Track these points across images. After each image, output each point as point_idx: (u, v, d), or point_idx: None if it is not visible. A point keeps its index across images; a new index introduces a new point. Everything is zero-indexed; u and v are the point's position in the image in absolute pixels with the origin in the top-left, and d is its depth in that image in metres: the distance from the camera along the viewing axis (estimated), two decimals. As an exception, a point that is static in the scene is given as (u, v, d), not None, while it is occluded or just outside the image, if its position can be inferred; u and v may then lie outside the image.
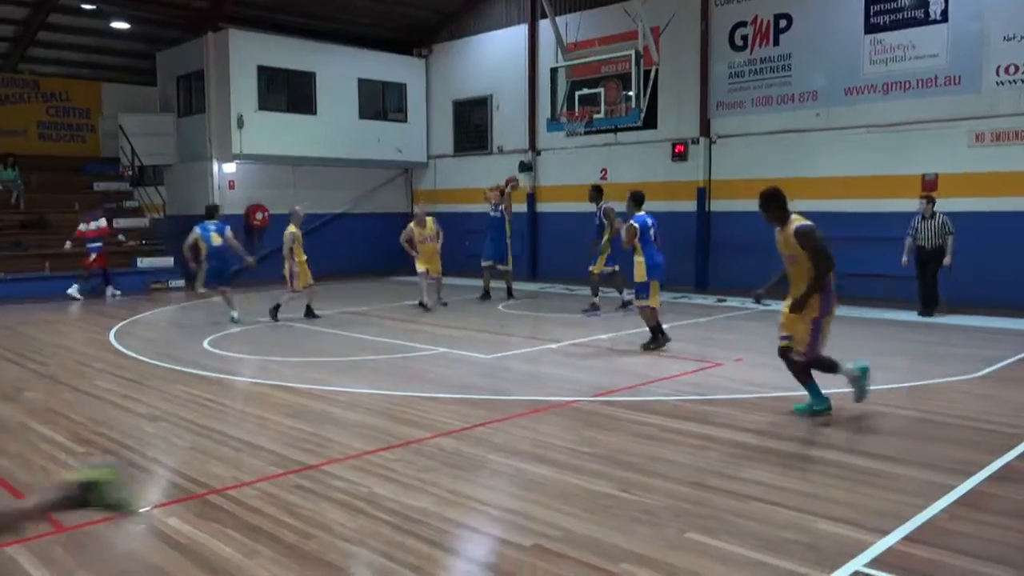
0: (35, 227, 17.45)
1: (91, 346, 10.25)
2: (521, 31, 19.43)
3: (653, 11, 15.88)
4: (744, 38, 15.66)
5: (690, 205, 16.33)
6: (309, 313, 12.43)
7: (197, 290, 12.35)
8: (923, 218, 11.62)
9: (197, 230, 11.87)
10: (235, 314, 11.93)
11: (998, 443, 5.56)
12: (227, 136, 18.19)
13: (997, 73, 12.70)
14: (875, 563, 3.67)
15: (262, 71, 18.50)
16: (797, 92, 14.98)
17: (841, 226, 14.18)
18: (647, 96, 14.97)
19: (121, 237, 17.57)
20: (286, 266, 12.13)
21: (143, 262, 17.49)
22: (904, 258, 11.66)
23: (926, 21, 13.35)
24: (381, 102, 20.93)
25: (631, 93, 14.62)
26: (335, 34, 20.01)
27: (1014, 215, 12.53)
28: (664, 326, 9.45)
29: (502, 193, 14.47)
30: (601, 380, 7.82)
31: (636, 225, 9.16)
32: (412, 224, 13.38)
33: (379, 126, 20.62)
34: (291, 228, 12.14)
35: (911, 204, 11.90)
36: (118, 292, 15.69)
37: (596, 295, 12.49)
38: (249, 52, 18.29)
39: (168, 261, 17.71)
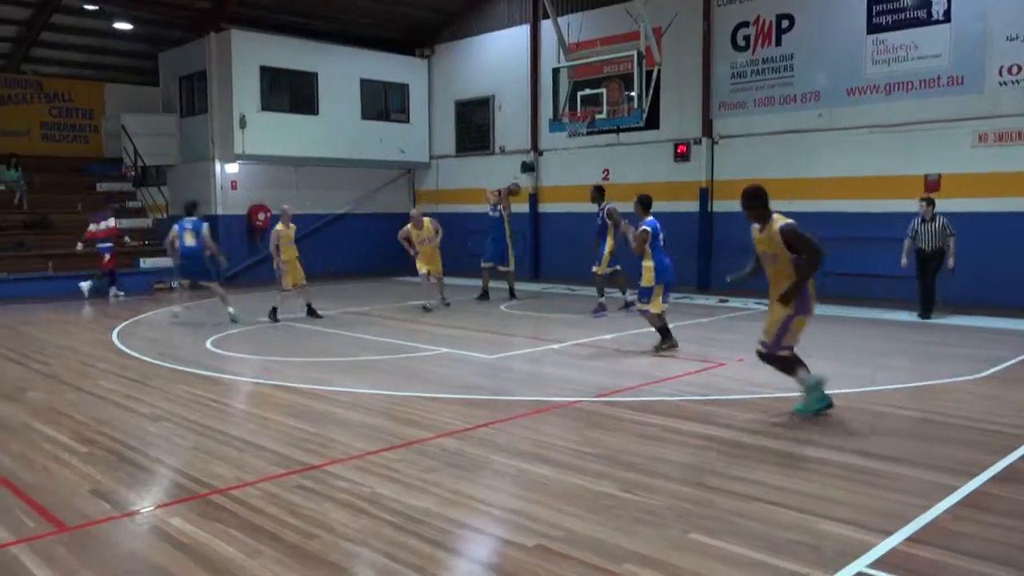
0: (38, 227, 17.49)
1: (94, 346, 10.27)
2: (523, 31, 19.44)
3: (655, 11, 15.88)
4: (746, 38, 15.65)
5: (692, 206, 16.33)
6: (311, 313, 12.44)
7: (170, 284, 12.50)
8: (923, 220, 11.54)
9: (175, 227, 12.06)
10: (231, 311, 12.00)
11: (1002, 444, 5.55)
12: (229, 136, 18.22)
13: (1000, 73, 12.68)
14: (878, 564, 3.66)
15: (264, 71, 18.52)
16: (799, 92, 14.97)
17: (843, 226, 14.22)
18: (649, 96, 14.96)
19: (127, 239, 17.59)
20: (274, 263, 12.20)
21: (146, 262, 17.51)
22: (904, 259, 11.61)
23: (929, 21, 13.34)
24: (383, 102, 20.96)
25: (633, 93, 14.60)
26: (337, 34, 20.04)
27: (1017, 215, 12.52)
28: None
29: (499, 193, 14.47)
30: (604, 380, 7.81)
31: (648, 231, 9.05)
32: (409, 226, 13.30)
33: (381, 126, 20.65)
34: (278, 226, 12.18)
35: (914, 205, 11.87)
36: (121, 293, 15.72)
37: (602, 295, 12.47)
38: (251, 52, 18.32)
39: (171, 261, 17.70)
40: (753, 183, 6.44)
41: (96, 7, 17.75)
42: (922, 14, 13.39)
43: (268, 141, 18.47)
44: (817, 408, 6.17)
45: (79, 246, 15.83)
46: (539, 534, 4.06)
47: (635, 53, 14.50)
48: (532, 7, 19.07)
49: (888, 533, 3.98)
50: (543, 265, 19.34)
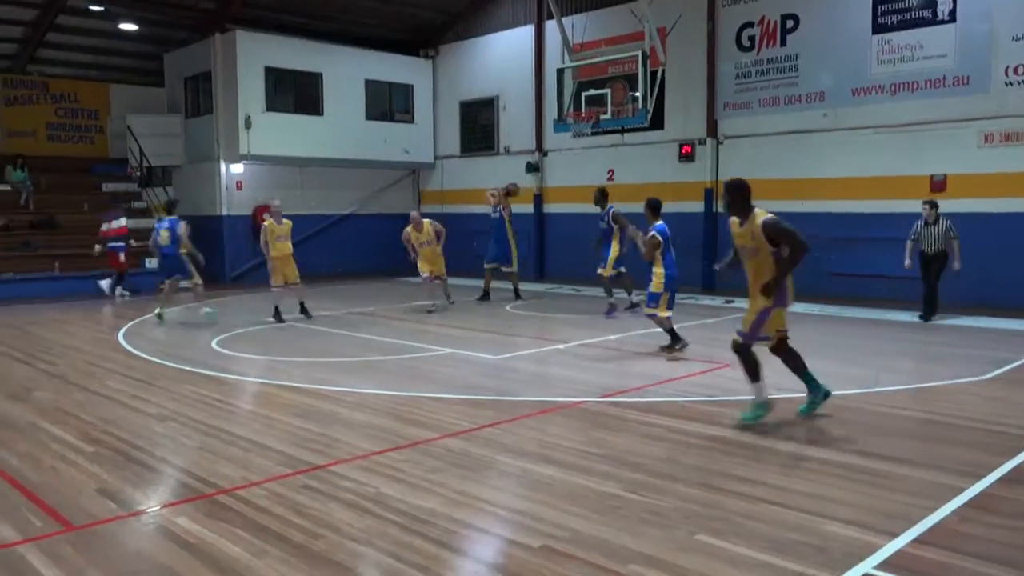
0: (44, 228, 17.55)
1: (100, 346, 10.30)
2: (527, 32, 19.44)
3: (660, 12, 15.87)
4: (751, 39, 15.63)
5: (697, 206, 16.32)
6: (303, 311, 12.38)
7: (157, 285, 12.58)
8: (926, 223, 11.44)
9: (155, 227, 12.29)
10: (207, 309, 12.13)
11: (1008, 445, 5.54)
12: (234, 137, 18.26)
13: (1006, 73, 12.64)
14: (884, 565, 3.66)
15: (269, 72, 18.55)
16: (804, 93, 14.95)
17: (848, 227, 14.20)
18: (654, 97, 14.95)
19: (131, 241, 17.64)
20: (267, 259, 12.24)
21: (151, 262, 17.53)
22: (907, 261, 11.54)
23: (934, 21, 13.30)
24: (388, 103, 20.97)
25: (638, 94, 14.60)
26: (341, 35, 20.06)
27: (1023, 216, 12.48)
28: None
29: (498, 194, 14.48)
30: (609, 381, 7.81)
31: (659, 238, 8.96)
32: (409, 228, 13.15)
33: (386, 127, 20.67)
34: (267, 222, 12.17)
35: (919, 205, 11.83)
36: (127, 293, 15.76)
37: (611, 295, 12.44)
38: (256, 53, 18.35)
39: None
40: (738, 177, 6.42)
41: (101, 8, 17.80)
42: (927, 14, 13.36)
43: (273, 142, 18.50)
44: (757, 416, 6.10)
45: (96, 248, 15.87)
46: (544, 535, 4.06)
47: (639, 53, 14.49)
48: (536, 8, 19.07)
49: (894, 534, 3.97)
50: (548, 265, 19.33)
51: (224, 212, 18.86)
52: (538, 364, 8.98)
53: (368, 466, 5.22)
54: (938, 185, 13.20)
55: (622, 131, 16.55)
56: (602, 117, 15.10)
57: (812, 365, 6.44)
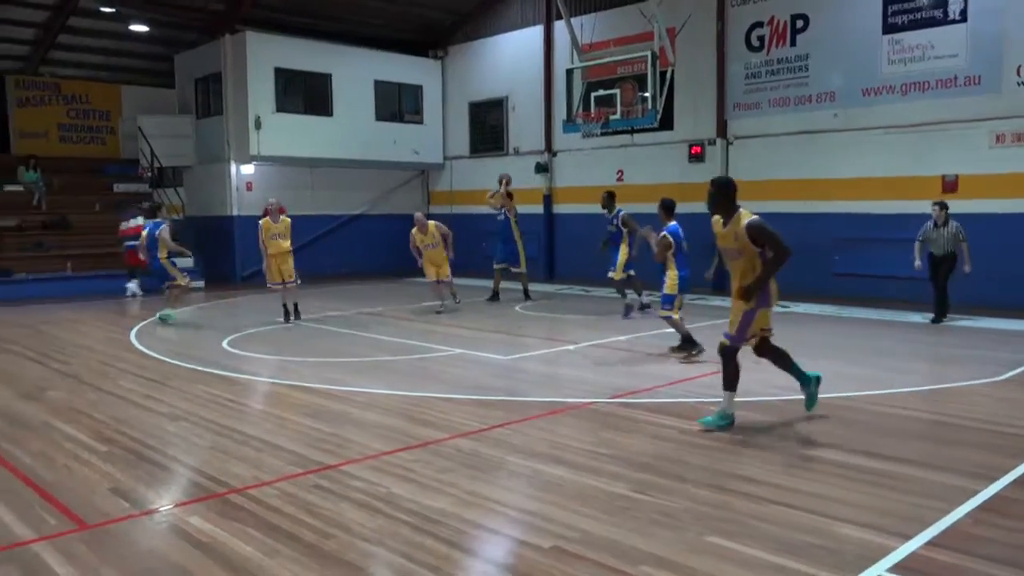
0: (57, 228, 17.67)
1: (113, 346, 10.36)
2: (536, 32, 19.45)
3: (669, 12, 15.85)
4: (761, 39, 15.59)
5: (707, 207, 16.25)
6: (295, 313, 12.19)
7: (164, 287, 12.61)
8: (935, 225, 11.36)
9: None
10: (167, 310, 12.20)
11: (1022, 447, 5.51)
12: (245, 138, 18.34)
13: (1018, 73, 12.57)
14: (897, 568, 3.64)
15: (279, 73, 18.63)
16: (814, 93, 14.90)
17: (859, 227, 14.15)
18: (663, 97, 14.93)
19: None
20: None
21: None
22: (917, 262, 11.46)
23: (945, 21, 13.24)
24: (397, 104, 21.03)
25: (647, 94, 14.58)
26: (350, 36, 20.13)
27: (1036, 216, 12.42)
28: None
29: (494, 196, 14.48)
30: (619, 382, 7.81)
31: (671, 239, 8.86)
32: (414, 230, 12.96)
33: (395, 128, 20.72)
34: (262, 220, 12.08)
35: (930, 206, 11.76)
36: (139, 292, 15.84)
37: (625, 296, 12.42)
38: (266, 54, 18.43)
39: (188, 262, 17.83)
40: (725, 175, 6.39)
41: (112, 10, 17.91)
42: (938, 14, 13.29)
43: (283, 142, 18.57)
44: (718, 424, 6.04)
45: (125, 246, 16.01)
46: (555, 535, 4.07)
47: (649, 54, 14.47)
48: (545, 8, 19.07)
49: (907, 537, 3.95)
50: (557, 266, 19.33)
51: (235, 213, 18.94)
52: (548, 365, 8.98)
53: (379, 466, 5.24)
54: (950, 186, 13.13)
55: (631, 131, 16.54)
56: (611, 117, 15.09)
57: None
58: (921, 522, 4.14)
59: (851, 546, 3.88)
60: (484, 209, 19.49)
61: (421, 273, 13.45)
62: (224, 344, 10.26)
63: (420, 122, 21.39)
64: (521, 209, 15.06)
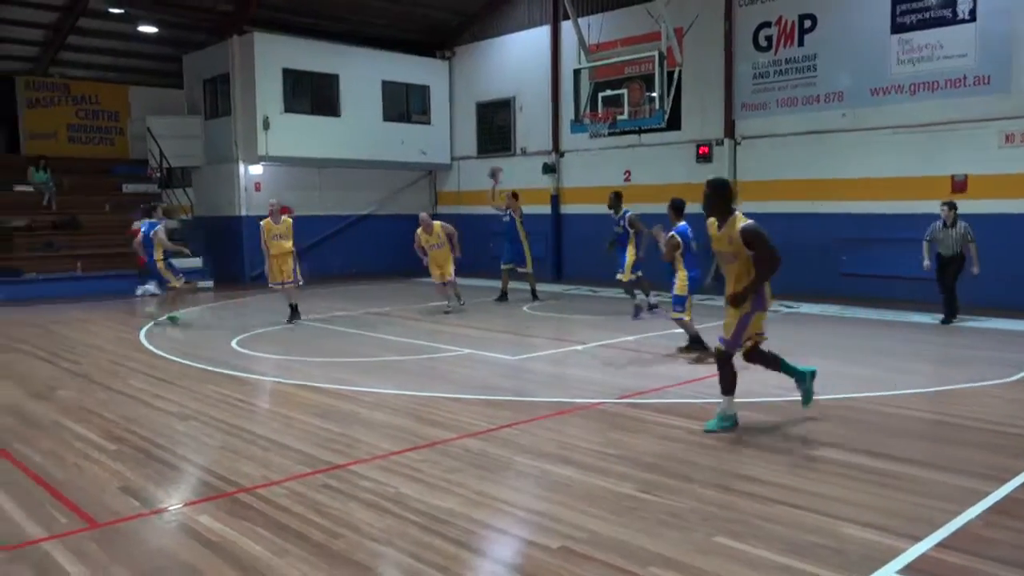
0: (67, 228, 17.77)
1: (122, 346, 10.41)
2: (543, 32, 19.45)
3: (676, 12, 15.82)
4: (768, 39, 15.56)
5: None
6: (292, 312, 12.18)
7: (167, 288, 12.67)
8: (944, 225, 11.28)
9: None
10: (151, 308, 12.40)
11: (1031, 448, 5.49)
12: (253, 138, 18.40)
13: (1028, 73, 12.51)
14: (907, 570, 3.64)
15: (287, 74, 18.69)
16: (823, 93, 14.85)
17: (868, 228, 14.10)
18: (671, 97, 14.90)
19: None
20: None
21: (173, 263, 17.70)
22: (926, 261, 11.39)
23: (954, 20, 13.18)
24: (405, 104, 21.06)
25: (655, 94, 14.56)
26: (358, 36, 20.17)
27: (1046, 217, 12.35)
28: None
29: (508, 197, 14.51)
30: (627, 382, 7.81)
31: (679, 239, 8.75)
32: (419, 231, 13.00)
33: (403, 128, 20.75)
34: (263, 222, 12.11)
35: (938, 206, 11.71)
36: (158, 291, 15.86)
37: (634, 297, 12.40)
38: (274, 55, 18.48)
39: (196, 262, 17.95)
40: (721, 177, 6.33)
41: (121, 11, 17.99)
42: (947, 13, 13.24)
43: (291, 143, 18.63)
44: (721, 427, 6.01)
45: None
46: (563, 535, 4.07)
47: (656, 54, 14.44)
48: (552, 8, 19.08)
49: (917, 538, 3.94)
50: (565, 266, 19.33)
51: (243, 213, 18.99)
52: (556, 365, 8.99)
53: (387, 466, 5.25)
54: (959, 186, 13.07)
55: (639, 132, 16.51)
56: (619, 118, 15.07)
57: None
58: (930, 523, 4.13)
59: (858, 547, 3.88)
60: (491, 209, 19.54)
61: (427, 273, 13.47)
62: (233, 344, 10.30)
63: (427, 123, 21.43)
64: (529, 209, 15.07)
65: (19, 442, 5.98)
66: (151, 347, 10.18)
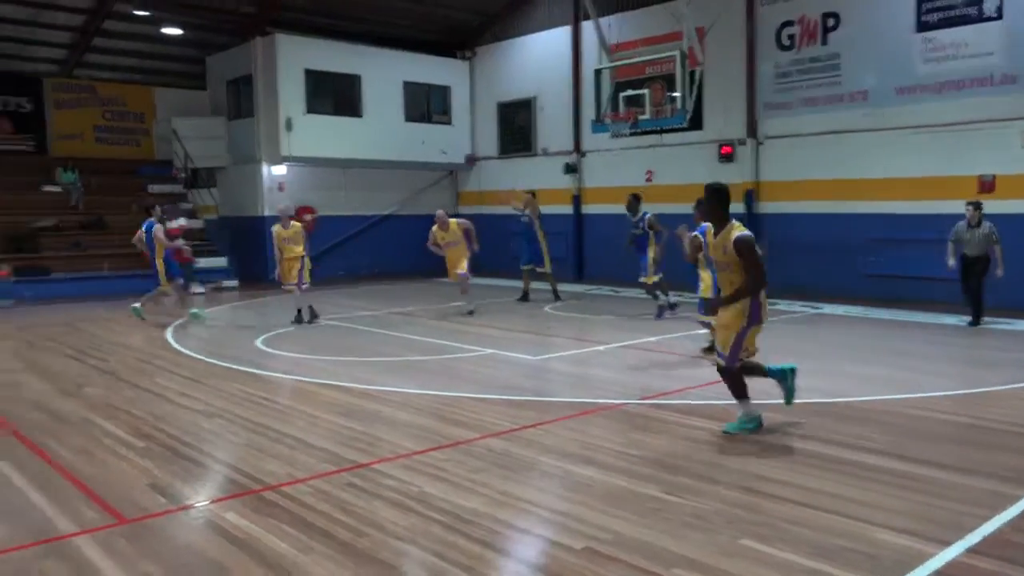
0: (94, 228, 18.01)
1: (149, 344, 10.54)
2: (564, 33, 19.42)
3: (698, 11, 15.73)
4: (791, 37, 15.44)
5: (737, 207, 16.00)
6: (298, 317, 12.16)
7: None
8: (969, 225, 11.09)
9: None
10: (195, 311, 12.51)
11: (1062, 452, 5.40)
12: (276, 139, 18.55)
13: (1057, 71, 12.31)
14: (937, 575, 3.59)
15: (309, 75, 18.81)
16: (846, 92, 14.71)
17: (893, 228, 13.95)
18: (693, 97, 14.84)
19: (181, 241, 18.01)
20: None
21: (198, 263, 17.87)
22: (951, 261, 11.22)
23: (980, 19, 13.00)
24: (426, 104, 21.13)
25: (676, 94, 14.50)
26: (379, 37, 20.24)
27: (1075, 217, 12.15)
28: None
29: (526, 196, 14.50)
30: (649, 383, 7.78)
31: (701, 239, 8.76)
32: (435, 228, 12.94)
33: (424, 128, 20.81)
34: (274, 227, 12.20)
35: (963, 206, 11.55)
36: (201, 289, 16.04)
37: (657, 298, 12.35)
38: (296, 56, 18.62)
39: (222, 261, 18.14)
40: (720, 182, 6.25)
41: (146, 13, 18.19)
42: (973, 11, 13.06)
43: (313, 143, 18.75)
44: (743, 428, 5.93)
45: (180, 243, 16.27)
46: (587, 536, 4.07)
47: (678, 53, 14.40)
48: (573, 8, 19.04)
49: (947, 543, 3.89)
50: (586, 267, 19.29)
51: (266, 213, 19.11)
52: (578, 365, 8.98)
53: (411, 465, 5.27)
54: (987, 185, 12.89)
55: (661, 132, 16.42)
56: (640, 118, 15.04)
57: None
58: (960, 528, 4.07)
59: (888, 551, 3.84)
60: (512, 210, 19.57)
61: (446, 272, 13.47)
62: (258, 343, 10.39)
63: (449, 123, 21.48)
64: (550, 210, 15.06)
65: (49, 438, 6.07)
66: (177, 345, 10.29)
